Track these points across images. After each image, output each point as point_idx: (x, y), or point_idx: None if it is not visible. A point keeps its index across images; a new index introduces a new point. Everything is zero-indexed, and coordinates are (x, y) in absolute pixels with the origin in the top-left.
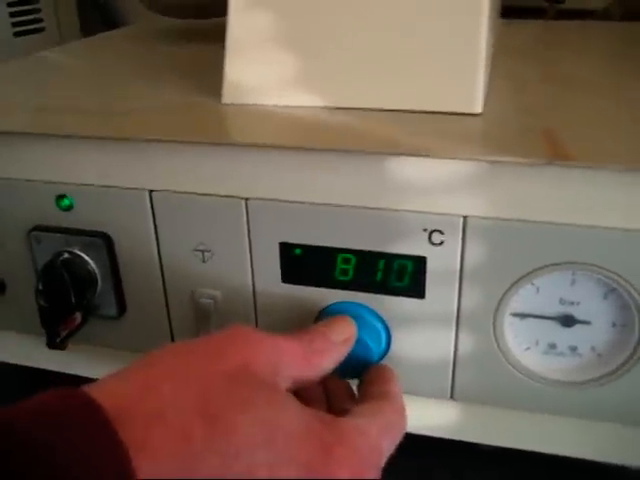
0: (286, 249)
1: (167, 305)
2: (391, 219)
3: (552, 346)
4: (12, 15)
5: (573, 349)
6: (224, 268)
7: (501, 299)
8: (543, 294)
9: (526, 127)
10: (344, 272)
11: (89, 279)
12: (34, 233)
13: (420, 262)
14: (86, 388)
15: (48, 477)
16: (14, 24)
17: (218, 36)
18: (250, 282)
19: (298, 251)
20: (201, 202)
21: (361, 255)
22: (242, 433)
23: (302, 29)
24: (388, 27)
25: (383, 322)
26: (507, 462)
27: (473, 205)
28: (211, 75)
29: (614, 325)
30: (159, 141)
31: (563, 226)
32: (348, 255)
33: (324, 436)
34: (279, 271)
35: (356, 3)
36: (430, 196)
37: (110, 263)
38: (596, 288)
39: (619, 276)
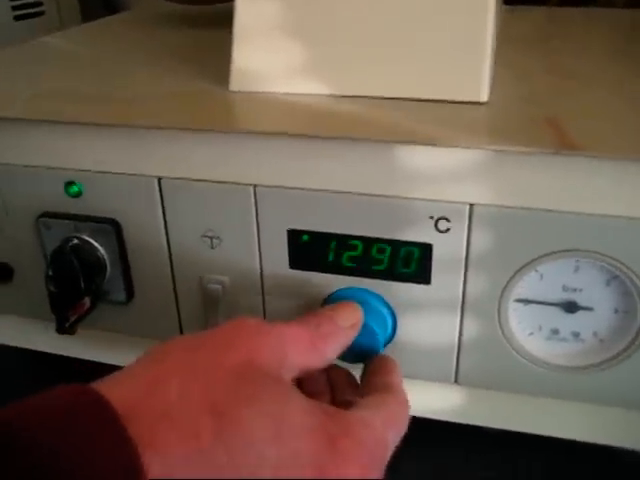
0: (294, 236)
1: (175, 290)
2: (398, 206)
3: (555, 332)
4: None
5: (576, 335)
6: (232, 254)
7: (505, 285)
8: (547, 281)
9: (531, 116)
10: (351, 258)
11: (98, 265)
12: (43, 219)
13: (426, 249)
14: (95, 385)
15: None
16: (14, 7)
17: (220, 22)
18: (258, 268)
19: (306, 237)
20: (210, 189)
21: (368, 242)
22: (249, 428)
23: (309, 17)
24: (395, 16)
25: (389, 307)
26: (510, 445)
27: (479, 193)
28: (215, 61)
29: (616, 311)
30: (170, 129)
31: (567, 214)
32: (355, 242)
33: (329, 428)
34: (287, 257)
35: None
36: (437, 184)
37: (119, 249)
38: (599, 275)
39: (622, 263)
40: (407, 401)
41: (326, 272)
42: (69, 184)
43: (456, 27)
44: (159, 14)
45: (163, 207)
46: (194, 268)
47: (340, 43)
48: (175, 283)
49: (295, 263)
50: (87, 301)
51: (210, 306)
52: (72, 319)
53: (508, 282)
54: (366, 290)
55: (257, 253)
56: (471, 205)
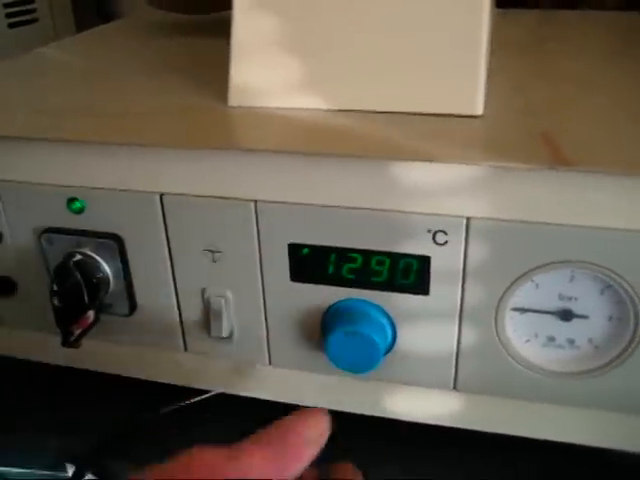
0: (294, 249)
1: (178, 303)
2: (396, 220)
3: (551, 339)
4: (6, 6)
5: (571, 342)
6: (234, 268)
7: (502, 295)
8: (543, 290)
9: (526, 129)
10: (351, 271)
11: (101, 279)
12: (46, 235)
13: (425, 261)
14: None
15: None
16: (8, 15)
17: (215, 31)
18: (259, 281)
19: (306, 251)
20: (211, 205)
21: (367, 254)
22: None
23: (305, 32)
24: (390, 31)
25: (389, 318)
26: (509, 449)
27: (476, 207)
28: (213, 73)
29: (610, 319)
30: (172, 147)
31: (562, 227)
32: (355, 254)
33: None
34: (288, 270)
35: (358, 7)
36: (434, 198)
37: (122, 264)
38: (593, 284)
39: (615, 273)
40: None
41: (326, 284)
42: (71, 200)
43: (451, 42)
44: (153, 22)
45: (165, 222)
46: (196, 282)
47: (337, 58)
48: (178, 296)
49: (296, 276)
50: (91, 315)
51: (213, 319)
52: (77, 333)
53: (505, 292)
54: (366, 301)
55: (258, 266)
56: (468, 218)
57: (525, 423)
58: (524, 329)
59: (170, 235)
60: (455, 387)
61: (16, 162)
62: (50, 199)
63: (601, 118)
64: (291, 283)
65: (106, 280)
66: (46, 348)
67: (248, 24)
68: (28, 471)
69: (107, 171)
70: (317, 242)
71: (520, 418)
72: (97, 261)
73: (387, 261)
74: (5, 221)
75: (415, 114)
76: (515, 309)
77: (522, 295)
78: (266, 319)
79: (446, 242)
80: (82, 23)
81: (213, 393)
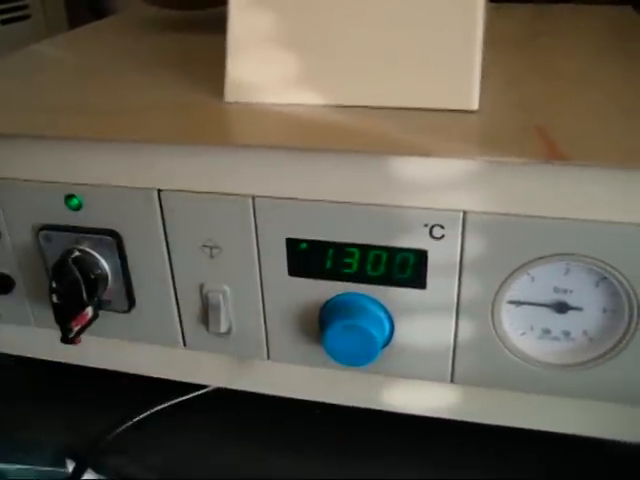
0: (292, 244)
1: (176, 299)
2: (393, 215)
3: (546, 331)
4: None
5: (566, 334)
6: (232, 263)
7: (498, 288)
8: (538, 283)
9: (521, 124)
10: (348, 265)
11: (99, 276)
12: (43, 232)
13: (422, 255)
14: None
15: None
16: (0, 12)
17: (209, 27)
18: (258, 276)
19: (304, 246)
20: (209, 200)
21: (365, 249)
22: None
23: (302, 28)
24: (386, 26)
25: (386, 312)
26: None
27: (472, 201)
28: (209, 69)
29: (605, 311)
30: (169, 143)
31: (558, 220)
32: (352, 249)
33: None
34: (286, 265)
35: (354, 2)
36: (431, 193)
37: (120, 260)
38: (588, 277)
39: (610, 266)
40: None
41: (324, 279)
42: (69, 197)
43: (446, 37)
44: (147, 18)
45: (163, 218)
46: (194, 277)
47: (333, 54)
48: (176, 292)
49: (294, 270)
50: (89, 311)
51: (211, 314)
52: (75, 329)
53: (501, 285)
54: (363, 295)
55: (256, 262)
56: (464, 212)
57: (522, 414)
58: (520, 322)
59: (168, 231)
60: (452, 380)
61: (12, 160)
62: (48, 196)
63: (595, 112)
64: (289, 278)
65: (104, 277)
66: (45, 345)
67: (244, 19)
68: (28, 468)
69: (104, 168)
70: (315, 237)
71: (517, 410)
72: (95, 258)
73: (384, 255)
74: (3, 219)
75: (411, 109)
76: (511, 302)
77: (518, 288)
78: (264, 314)
79: (443, 236)
80: (74, 19)
81: (211, 388)
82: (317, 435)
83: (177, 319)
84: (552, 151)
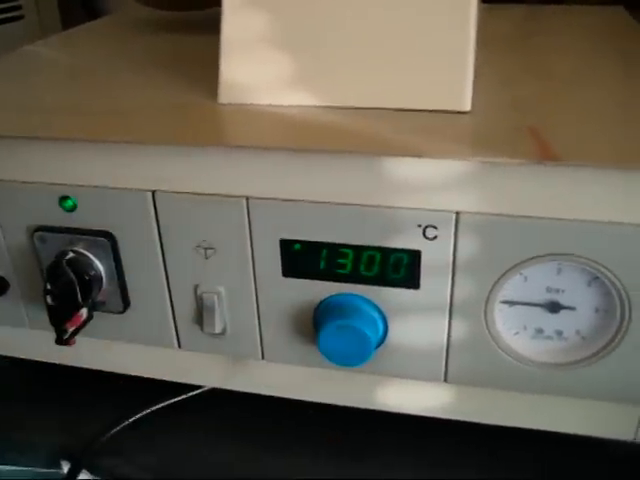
0: (286, 245)
1: (171, 300)
2: (387, 216)
3: (539, 331)
4: None
5: (559, 333)
6: (226, 264)
7: (491, 288)
8: (531, 283)
9: (514, 124)
10: (342, 266)
11: (94, 277)
12: (38, 233)
13: (415, 255)
14: None
15: None
16: None
17: (203, 28)
18: (252, 276)
19: (298, 246)
20: (203, 201)
21: (358, 249)
22: None
23: (295, 29)
24: (379, 28)
25: (380, 312)
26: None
27: (465, 202)
28: (202, 70)
29: (597, 310)
30: (163, 144)
31: (550, 220)
32: (346, 250)
33: None
34: (280, 266)
35: (348, 4)
36: (424, 193)
37: (114, 261)
38: (580, 277)
39: (602, 266)
40: None
41: (318, 279)
42: (63, 199)
43: (439, 38)
44: (141, 19)
45: (157, 219)
46: (189, 278)
47: (326, 55)
48: (171, 293)
49: (288, 271)
50: (84, 312)
51: (205, 315)
52: (70, 330)
53: (494, 285)
54: (357, 295)
55: (250, 262)
56: (457, 213)
57: (515, 414)
58: (513, 321)
59: (162, 232)
60: (446, 379)
61: (6, 161)
62: (42, 197)
63: (588, 112)
64: (283, 279)
65: (99, 278)
66: (39, 346)
67: (238, 20)
68: (22, 469)
69: (99, 169)
70: (309, 238)
71: (510, 409)
72: (90, 259)
73: (378, 256)
74: None
75: (404, 110)
76: (504, 302)
77: (511, 288)
78: (259, 315)
79: (436, 237)
80: (68, 20)
81: (206, 388)
82: (312, 435)
83: (172, 320)
84: (544, 151)
